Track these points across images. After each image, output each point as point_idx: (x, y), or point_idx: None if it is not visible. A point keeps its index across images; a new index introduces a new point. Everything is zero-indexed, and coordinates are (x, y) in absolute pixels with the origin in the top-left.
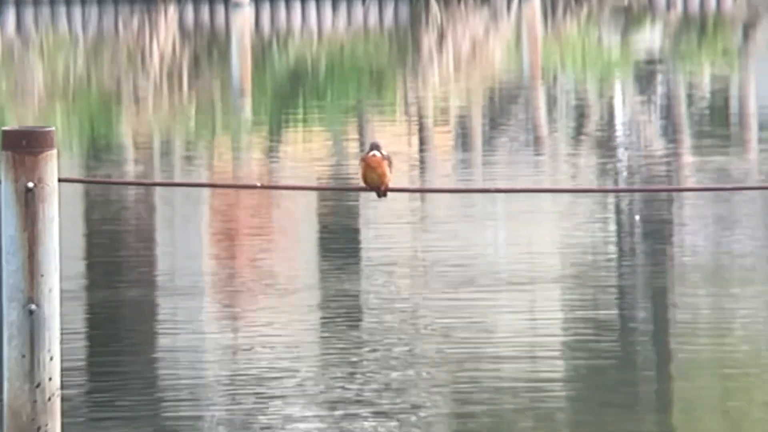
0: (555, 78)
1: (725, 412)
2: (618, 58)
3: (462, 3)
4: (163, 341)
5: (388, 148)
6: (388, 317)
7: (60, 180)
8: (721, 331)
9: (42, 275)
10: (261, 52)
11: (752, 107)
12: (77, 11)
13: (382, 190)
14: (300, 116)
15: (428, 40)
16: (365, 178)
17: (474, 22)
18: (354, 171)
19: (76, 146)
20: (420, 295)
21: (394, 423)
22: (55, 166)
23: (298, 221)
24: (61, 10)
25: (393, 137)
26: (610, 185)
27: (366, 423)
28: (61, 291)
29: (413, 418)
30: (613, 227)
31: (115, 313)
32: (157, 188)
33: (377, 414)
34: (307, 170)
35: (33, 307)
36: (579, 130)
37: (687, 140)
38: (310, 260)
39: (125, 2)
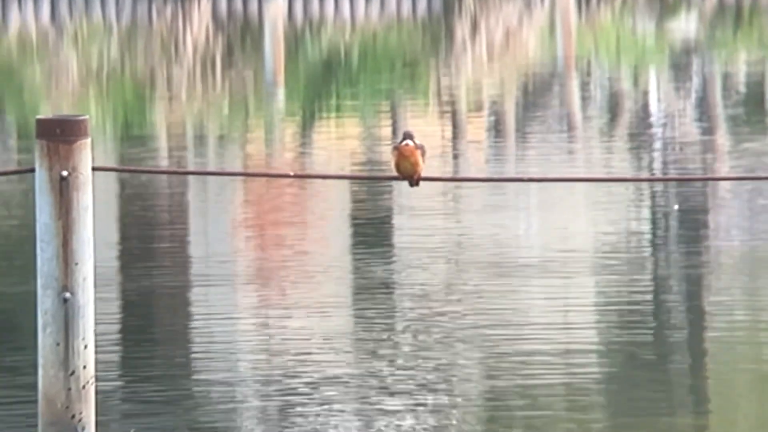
0: (589, 67)
1: (761, 403)
2: (653, 47)
3: None
4: (196, 330)
5: (421, 137)
6: (421, 305)
7: (94, 168)
8: (758, 321)
9: (76, 263)
10: (294, 41)
11: None
12: (111, 1)
13: (414, 179)
14: (333, 105)
15: (461, 29)
16: (398, 167)
17: (507, 11)
18: (387, 160)
19: (110, 135)
20: (453, 283)
21: (426, 411)
22: (89, 155)
23: (331, 210)
24: None
25: (426, 126)
26: (644, 174)
27: (398, 409)
28: (95, 279)
29: (446, 408)
30: (647, 216)
31: (148, 301)
32: (191, 177)
33: (408, 401)
34: (340, 159)
35: (67, 295)
36: (613, 119)
37: (722, 129)
38: (343, 249)
39: None
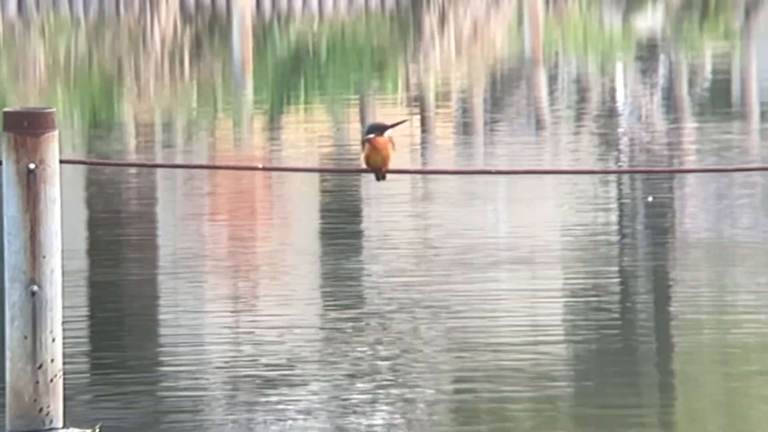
0: (556, 60)
1: (726, 390)
2: (619, 40)
3: None
4: (164, 322)
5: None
6: (389, 297)
7: (61, 161)
8: (724, 311)
9: (44, 256)
10: (262, 34)
11: (754, 88)
12: None
13: (382, 173)
14: (301, 98)
15: (429, 22)
16: (368, 160)
17: (475, 4)
18: (355, 152)
19: (77, 127)
20: (421, 275)
21: (394, 401)
22: (56, 148)
23: (300, 202)
24: None
25: (394, 119)
26: (611, 166)
27: (366, 399)
28: (63, 272)
29: (414, 398)
30: (614, 208)
31: (117, 294)
32: (159, 169)
33: (376, 392)
34: (308, 151)
35: (35, 288)
36: (580, 111)
37: (688, 121)
38: (312, 241)
39: None
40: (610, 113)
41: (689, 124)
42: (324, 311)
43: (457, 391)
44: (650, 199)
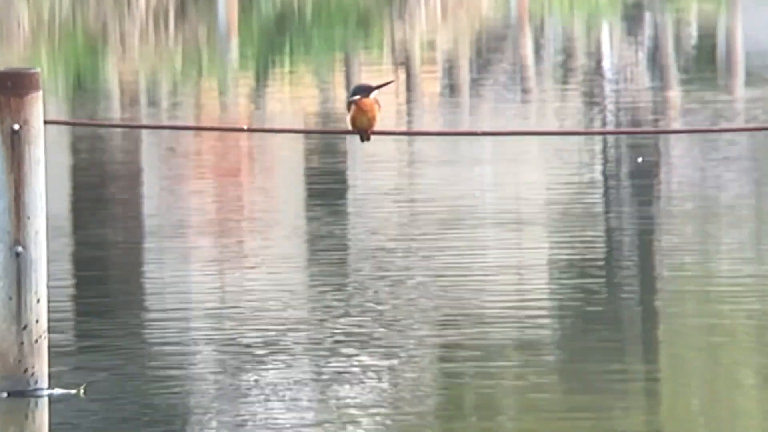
0: (542, 22)
1: (711, 357)
2: (605, 2)
3: None
4: (150, 283)
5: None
6: (374, 259)
7: (46, 122)
8: (710, 273)
9: (28, 217)
10: None
11: (739, 49)
12: None
13: (367, 134)
14: (286, 60)
15: None
16: (354, 122)
17: None
18: (340, 113)
19: (62, 88)
20: (406, 237)
21: (377, 369)
22: (40, 108)
23: (285, 163)
24: None
25: (379, 80)
26: (597, 128)
27: (349, 367)
28: (48, 233)
29: (397, 365)
30: (599, 169)
31: (101, 255)
32: (143, 130)
33: (360, 358)
34: (294, 112)
35: (19, 249)
36: (566, 73)
37: (674, 83)
38: (297, 203)
39: None
40: (596, 75)
41: (675, 86)
42: (308, 273)
43: (442, 356)
44: (640, 160)
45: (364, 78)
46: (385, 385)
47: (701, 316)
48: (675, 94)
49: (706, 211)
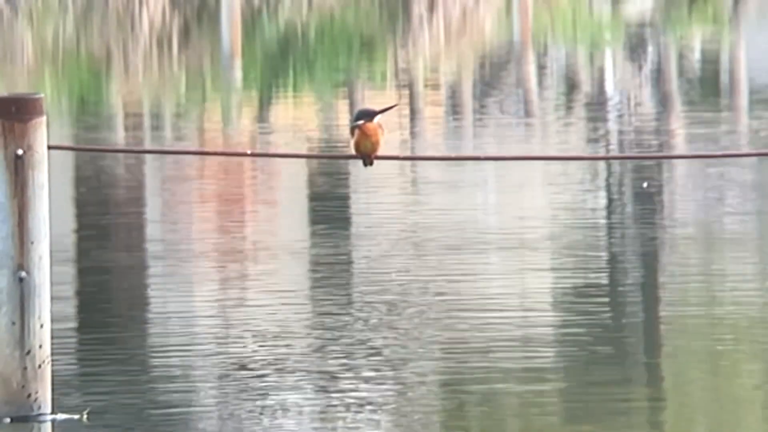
0: (545, 46)
1: (714, 382)
2: (608, 26)
3: None
4: (153, 308)
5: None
6: (377, 283)
7: (50, 147)
8: (712, 296)
9: (32, 242)
10: (251, 19)
11: (743, 74)
12: None
13: (371, 158)
14: (290, 84)
15: (419, 7)
16: (358, 146)
17: None
18: (343, 138)
19: (65, 113)
20: (409, 261)
21: (382, 389)
22: (44, 133)
23: (288, 188)
24: None
25: (383, 105)
26: (600, 152)
27: (352, 385)
28: (51, 258)
29: (401, 385)
30: (603, 194)
31: (105, 280)
32: (147, 155)
33: (365, 378)
34: (297, 137)
35: (23, 274)
36: (569, 97)
37: (677, 107)
38: (300, 227)
39: None
40: (599, 99)
41: (678, 110)
42: (313, 297)
43: (446, 378)
44: (645, 185)
45: (368, 102)
46: (387, 410)
47: (706, 342)
48: (678, 118)
49: (710, 236)
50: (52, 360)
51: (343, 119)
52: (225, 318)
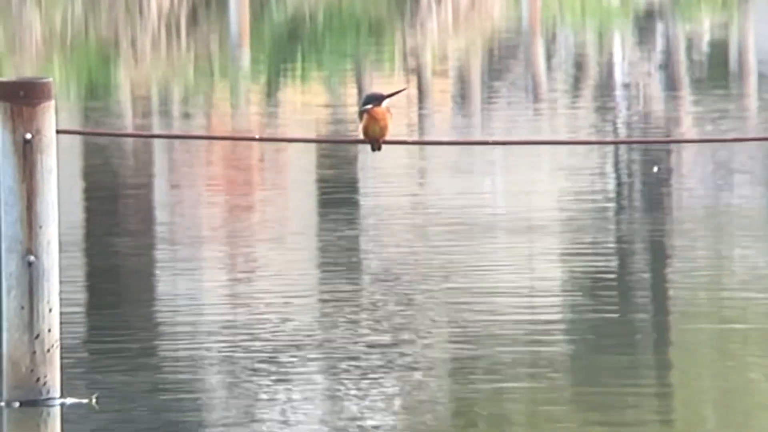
0: (554, 30)
1: (723, 369)
2: (617, 10)
3: None
4: (162, 291)
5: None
6: (386, 269)
7: (58, 131)
8: (723, 282)
9: (40, 226)
10: (259, 3)
11: (752, 59)
12: None
13: (378, 143)
14: (298, 68)
15: None
16: (366, 131)
17: None
18: (351, 122)
19: (74, 97)
20: (418, 246)
21: (389, 378)
22: (52, 118)
23: (297, 172)
24: None
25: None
26: (609, 137)
27: (360, 375)
28: (60, 242)
29: (409, 375)
30: (611, 179)
31: (113, 264)
32: (156, 139)
33: (372, 367)
34: (305, 121)
35: (32, 258)
36: (578, 82)
37: (686, 92)
38: (309, 211)
39: None
40: (607, 84)
41: (687, 95)
42: (320, 282)
43: (454, 365)
44: (655, 169)
45: (376, 87)
46: (395, 399)
47: (715, 330)
48: (687, 103)
49: (720, 221)
50: (61, 344)
51: (352, 104)
52: (233, 302)
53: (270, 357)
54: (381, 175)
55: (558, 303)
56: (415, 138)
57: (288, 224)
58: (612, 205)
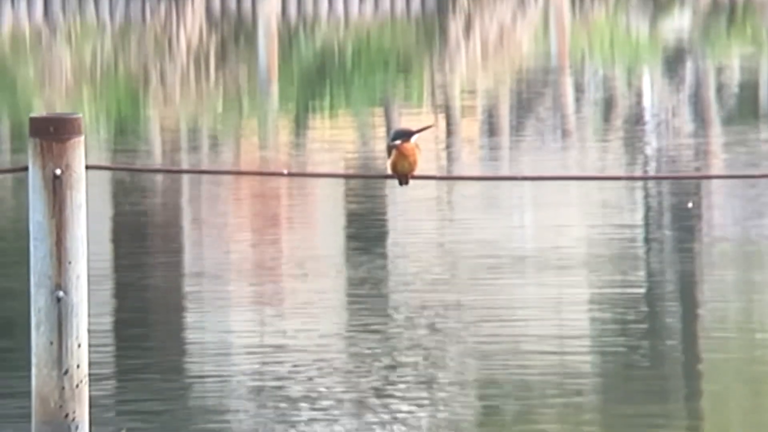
0: (583, 65)
1: (754, 401)
2: (646, 45)
3: None
4: (190, 327)
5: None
6: (415, 303)
7: (87, 167)
8: (754, 319)
9: (70, 262)
10: (288, 39)
11: None
12: None
13: (407, 178)
14: (326, 104)
15: (455, 26)
16: (395, 166)
17: (501, 9)
18: (379, 157)
19: (103, 133)
20: (446, 281)
21: (418, 408)
22: (82, 153)
23: (325, 207)
24: None
25: (419, 124)
26: (638, 173)
27: (390, 405)
28: (89, 277)
29: (438, 403)
30: (641, 215)
31: (142, 299)
32: (184, 175)
33: (402, 398)
34: (334, 157)
35: (61, 293)
36: (607, 117)
37: (716, 128)
38: (337, 247)
39: None
40: (636, 119)
41: (716, 131)
42: (349, 317)
43: (482, 398)
44: (690, 205)
45: (404, 122)
46: (422, 424)
47: (744, 361)
48: (716, 139)
49: (749, 256)
50: (90, 379)
51: (380, 139)
52: (262, 337)
53: (298, 387)
54: (409, 211)
55: (587, 340)
56: (443, 173)
57: (316, 259)
58: (642, 240)
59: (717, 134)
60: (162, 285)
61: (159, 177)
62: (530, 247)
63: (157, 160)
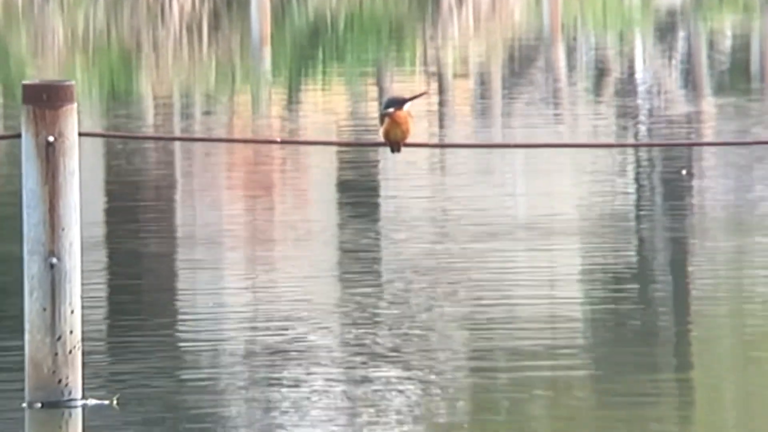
0: (575, 33)
1: (746, 369)
2: (639, 14)
3: None
4: (183, 294)
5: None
6: (406, 270)
7: (80, 134)
8: (743, 286)
9: (63, 229)
10: (280, 7)
11: None
12: None
13: (399, 146)
14: (319, 71)
15: None
16: (387, 134)
17: None
18: (372, 125)
19: (96, 100)
20: (438, 248)
21: (409, 378)
22: (75, 120)
23: (317, 174)
24: None
25: (412, 92)
26: (630, 140)
27: (380, 375)
28: (82, 244)
29: (429, 375)
30: (633, 182)
31: (135, 266)
32: (177, 142)
33: (392, 368)
34: (326, 124)
35: (54, 260)
36: (599, 85)
37: (707, 95)
38: (329, 214)
39: None
40: (629, 87)
41: (708, 97)
42: (341, 284)
43: (474, 367)
44: (684, 172)
45: (397, 90)
46: (415, 395)
47: (736, 329)
48: (708, 105)
49: (741, 223)
50: (83, 345)
51: (372, 106)
52: (254, 304)
53: (290, 358)
54: (402, 178)
55: (578, 305)
56: (436, 141)
57: (308, 227)
58: (634, 207)
59: (709, 102)
60: (155, 251)
61: (151, 143)
62: (522, 214)
63: (150, 127)
